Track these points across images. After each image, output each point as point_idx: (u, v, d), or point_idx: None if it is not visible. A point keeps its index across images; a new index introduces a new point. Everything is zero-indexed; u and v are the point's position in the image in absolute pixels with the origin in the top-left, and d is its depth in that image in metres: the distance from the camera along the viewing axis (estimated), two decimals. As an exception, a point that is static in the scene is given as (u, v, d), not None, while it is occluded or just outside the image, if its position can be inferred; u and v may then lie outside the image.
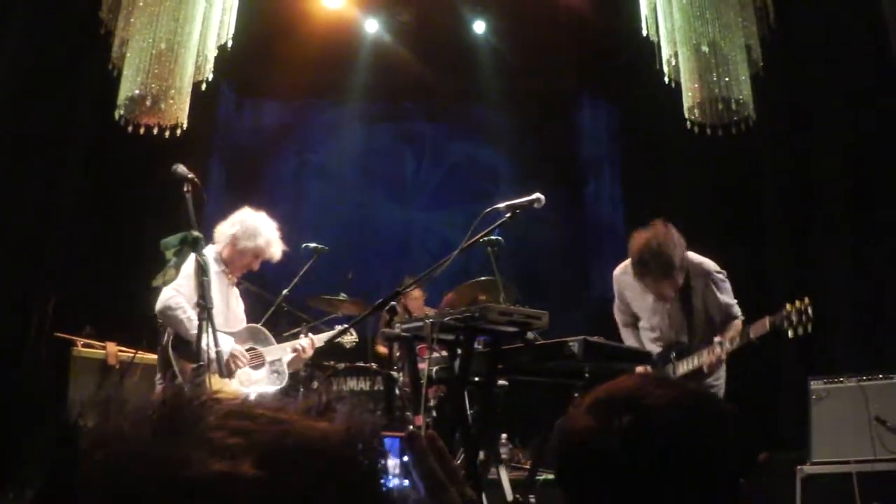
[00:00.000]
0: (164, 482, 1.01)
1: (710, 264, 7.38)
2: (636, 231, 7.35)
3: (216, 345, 6.44)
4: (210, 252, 7.59)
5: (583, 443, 2.12)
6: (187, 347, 7.05)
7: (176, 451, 1.04)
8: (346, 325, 8.30)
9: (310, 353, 7.96)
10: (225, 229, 7.82)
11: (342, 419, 1.15)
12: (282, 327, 9.02)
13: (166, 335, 7.31)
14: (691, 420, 2.09)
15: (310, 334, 8.18)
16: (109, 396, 1.12)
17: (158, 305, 7.27)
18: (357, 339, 8.71)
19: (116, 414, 1.10)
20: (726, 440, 2.12)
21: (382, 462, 1.15)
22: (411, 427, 7.28)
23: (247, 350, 7.56)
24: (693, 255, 7.39)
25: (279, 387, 7.58)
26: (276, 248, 7.90)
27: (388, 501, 1.16)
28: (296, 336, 8.64)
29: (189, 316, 7.08)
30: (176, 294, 7.22)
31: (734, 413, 2.21)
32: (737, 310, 7.29)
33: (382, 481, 1.14)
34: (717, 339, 7.04)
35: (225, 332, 7.44)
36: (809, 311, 6.74)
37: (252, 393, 7.21)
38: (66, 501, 1.04)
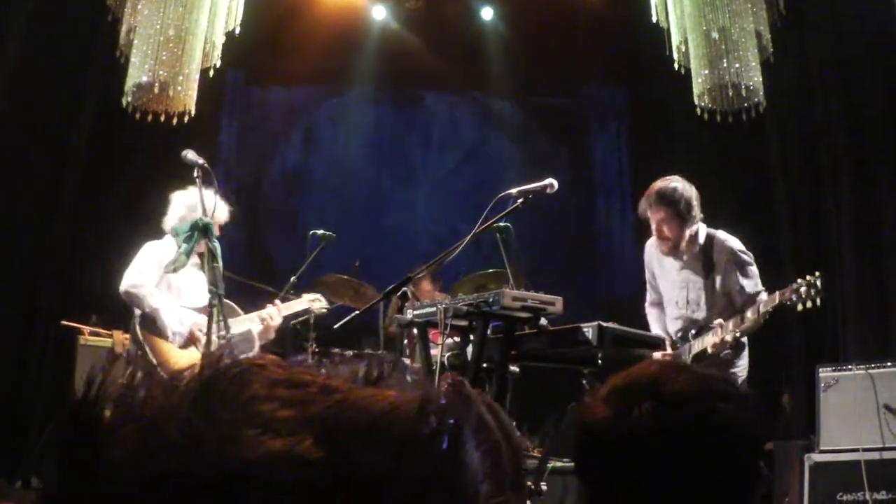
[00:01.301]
0: (210, 463, 0.86)
1: (735, 243, 7.32)
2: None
3: (226, 329, 6.45)
4: (164, 247, 7.60)
5: (602, 432, 2.10)
6: (155, 325, 7.12)
7: (222, 426, 0.89)
8: (354, 313, 8.30)
9: (278, 320, 7.91)
10: (174, 221, 7.74)
11: (410, 388, 0.99)
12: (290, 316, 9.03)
13: (136, 315, 7.33)
14: (712, 406, 2.07)
15: (277, 302, 8.10)
16: (132, 372, 0.99)
17: (121, 288, 7.36)
18: (328, 307, 8.62)
19: (145, 387, 0.94)
20: (747, 425, 2.11)
21: (461, 441, 0.98)
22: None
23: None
24: (720, 233, 7.36)
25: (250, 354, 7.56)
26: (220, 211, 7.72)
27: (471, 485, 0.98)
28: (304, 324, 8.65)
29: (150, 291, 7.15)
30: (138, 274, 7.33)
31: (753, 397, 2.20)
32: (763, 296, 7.20)
33: (460, 463, 0.97)
34: (716, 321, 7.02)
35: (190, 308, 7.56)
36: (819, 283, 6.72)
37: None
38: (85, 487, 0.89)
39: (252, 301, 8.24)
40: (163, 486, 0.87)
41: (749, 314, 6.90)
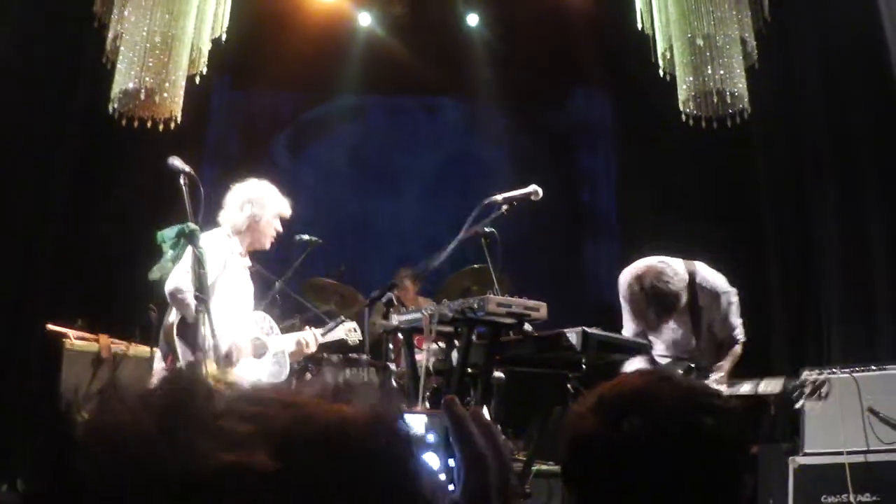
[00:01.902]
0: (169, 476, 0.91)
1: (721, 284, 7.38)
2: (630, 268, 7.33)
3: (212, 336, 6.45)
4: (221, 238, 7.59)
5: (590, 443, 2.13)
6: (192, 333, 7.05)
7: (181, 442, 0.94)
8: (342, 319, 8.33)
9: (313, 348, 7.94)
10: (236, 213, 7.73)
11: (364, 403, 1.04)
12: (274, 319, 9.04)
13: (173, 315, 7.27)
14: (699, 420, 2.09)
15: (312, 329, 8.12)
16: (107, 385, 1.03)
17: (169, 287, 7.18)
18: (361, 338, 8.63)
19: (115, 403, 0.99)
20: (733, 438, 2.13)
21: (413, 451, 1.04)
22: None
23: (251, 339, 7.55)
24: (705, 271, 7.39)
25: (279, 379, 7.54)
26: (285, 206, 7.95)
27: (421, 496, 1.03)
28: (290, 328, 8.66)
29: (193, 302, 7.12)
30: (184, 279, 7.23)
31: (739, 410, 2.22)
32: (740, 332, 7.30)
33: (414, 472, 1.03)
34: (714, 376, 7.08)
35: (237, 313, 7.54)
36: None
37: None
38: (61, 498, 0.94)
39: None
40: (126, 500, 0.91)
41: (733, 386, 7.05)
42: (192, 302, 6.98)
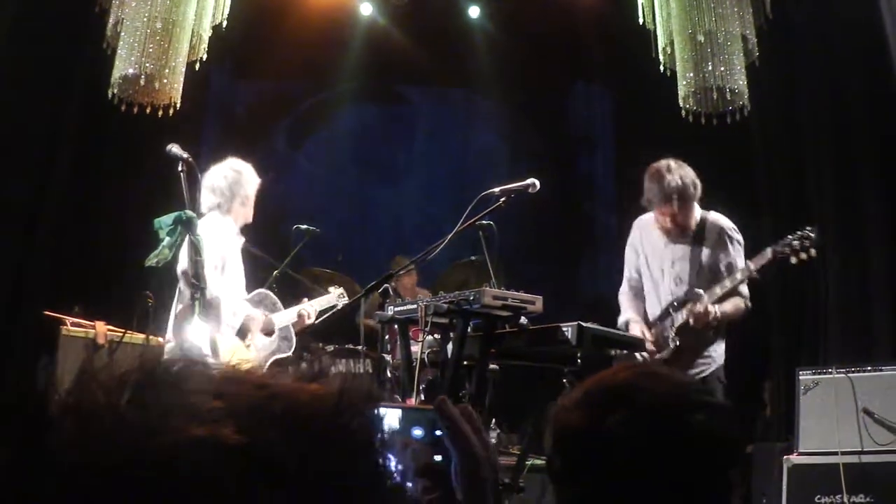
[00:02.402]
0: (138, 450, 0.93)
1: (726, 221, 7.38)
2: (651, 164, 7.35)
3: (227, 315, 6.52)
4: (218, 220, 7.60)
5: (576, 437, 2.12)
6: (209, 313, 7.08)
7: (152, 418, 0.96)
8: (340, 299, 8.36)
9: (314, 318, 7.97)
10: (225, 193, 7.72)
11: (334, 384, 1.06)
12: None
13: (185, 300, 7.30)
14: (685, 413, 2.08)
15: (308, 300, 8.19)
16: (83, 365, 1.03)
17: (182, 266, 7.12)
18: (347, 299, 8.64)
19: (91, 382, 1.01)
20: (721, 434, 2.12)
21: (379, 434, 1.06)
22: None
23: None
24: (712, 213, 7.41)
25: (288, 353, 7.59)
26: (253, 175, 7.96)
27: (383, 478, 1.06)
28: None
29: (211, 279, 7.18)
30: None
31: (726, 405, 2.21)
32: (743, 278, 7.25)
33: (379, 455, 1.06)
34: (697, 290, 7.07)
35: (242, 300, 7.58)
36: (812, 234, 6.83)
37: (266, 360, 7.28)
38: (35, 471, 0.95)
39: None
40: (97, 474, 0.92)
41: (736, 276, 7.02)
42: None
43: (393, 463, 1.05)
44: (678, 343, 7.13)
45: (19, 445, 0.96)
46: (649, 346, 7.15)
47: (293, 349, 7.71)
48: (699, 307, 6.99)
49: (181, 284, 7.20)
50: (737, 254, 7.32)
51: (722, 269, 7.26)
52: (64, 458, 0.94)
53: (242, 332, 7.30)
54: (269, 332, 7.59)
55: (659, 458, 2.02)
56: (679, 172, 7.17)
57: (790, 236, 6.95)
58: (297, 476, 0.96)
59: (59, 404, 0.99)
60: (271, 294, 7.88)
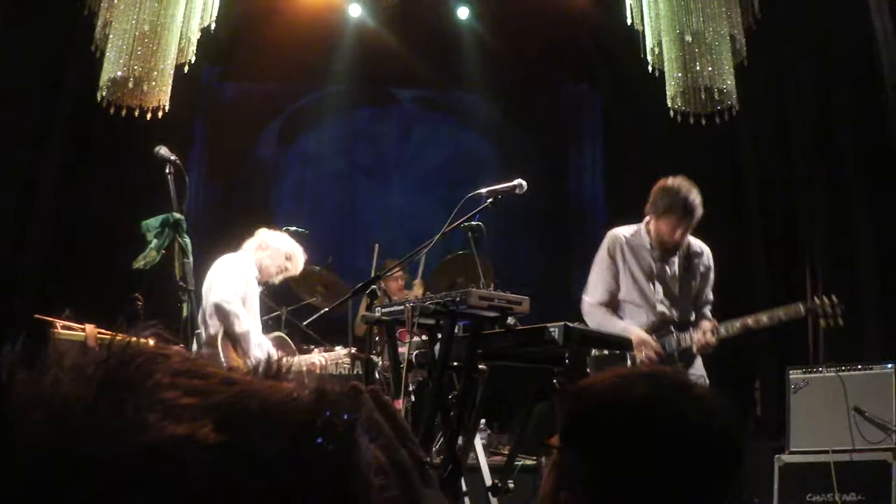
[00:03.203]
0: (115, 447, 0.90)
1: (708, 252, 7.45)
2: (668, 178, 7.32)
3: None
4: (247, 262, 8.12)
5: (596, 406, 2.14)
6: (236, 345, 7.31)
7: (127, 412, 0.92)
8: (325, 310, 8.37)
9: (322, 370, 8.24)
10: (269, 260, 8.30)
11: (310, 383, 1.04)
12: (262, 312, 9.07)
13: (218, 328, 7.63)
14: (688, 413, 2.08)
15: (324, 353, 8.53)
16: (48, 352, 0.99)
17: (216, 298, 7.70)
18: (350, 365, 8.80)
19: (54, 369, 0.97)
20: (725, 433, 2.12)
21: (357, 431, 1.03)
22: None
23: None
24: (696, 241, 7.47)
25: None
26: (299, 264, 8.47)
27: (363, 476, 1.02)
28: (275, 321, 8.71)
29: (242, 312, 7.37)
30: (232, 291, 7.73)
31: (717, 397, 2.20)
32: (709, 307, 7.38)
33: (357, 452, 1.02)
34: (709, 325, 7.09)
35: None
36: (839, 308, 6.96)
37: None
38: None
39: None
40: (68, 470, 0.89)
41: (762, 319, 7.03)
42: (239, 313, 7.30)
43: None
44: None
45: None
46: (652, 352, 7.11)
47: None
48: (711, 338, 7.04)
49: (208, 316, 7.47)
50: (711, 286, 7.43)
51: (703, 298, 7.36)
52: (31, 453, 0.90)
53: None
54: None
55: (642, 457, 2.02)
56: (698, 198, 7.19)
57: (824, 300, 7.03)
58: (278, 476, 0.94)
59: (24, 396, 0.95)
60: (287, 338, 8.07)
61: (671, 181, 7.23)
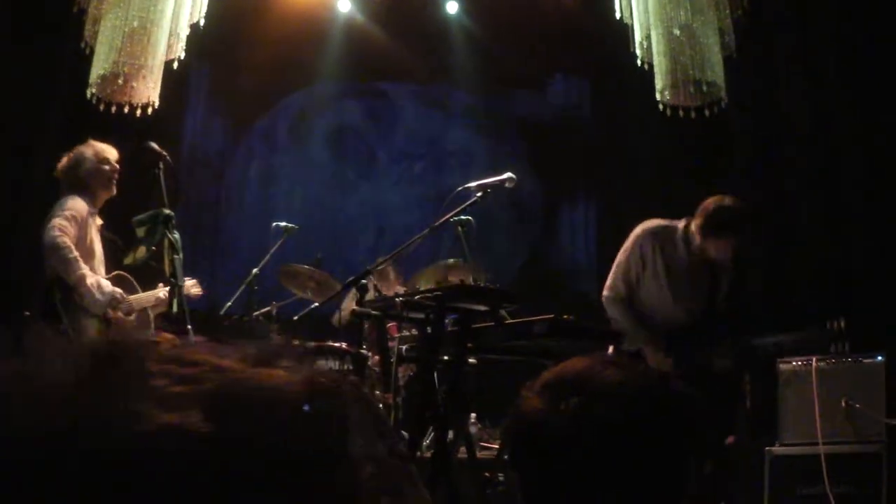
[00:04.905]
0: (106, 436, 0.90)
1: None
2: (725, 197, 7.22)
3: (185, 316, 6.46)
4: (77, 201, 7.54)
5: (532, 425, 2.15)
6: (73, 299, 7.02)
7: (117, 400, 0.92)
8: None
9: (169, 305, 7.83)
10: (73, 173, 7.76)
11: (301, 370, 1.04)
12: (252, 307, 9.06)
13: (55, 294, 7.22)
14: (638, 401, 2.10)
15: (165, 287, 8.02)
16: (33, 336, 1.00)
17: (47, 240, 7.21)
18: (201, 293, 8.53)
19: (37, 353, 0.98)
20: (675, 421, 2.13)
21: (349, 418, 1.04)
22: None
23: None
24: None
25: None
26: (106, 149, 7.88)
27: (353, 464, 1.03)
28: (266, 316, 8.67)
29: (76, 255, 7.07)
30: (62, 234, 7.20)
31: (686, 394, 2.21)
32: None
33: (347, 439, 1.03)
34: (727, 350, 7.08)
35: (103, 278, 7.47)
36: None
37: None
38: None
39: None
40: (59, 460, 0.89)
41: (770, 346, 7.06)
42: (71, 256, 6.98)
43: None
44: None
45: None
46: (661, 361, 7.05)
47: (150, 332, 7.54)
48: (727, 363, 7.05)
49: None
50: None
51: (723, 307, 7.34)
52: (19, 441, 0.90)
53: (106, 314, 7.24)
54: (128, 312, 7.51)
55: (612, 442, 2.03)
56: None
57: (835, 328, 7.08)
58: (269, 464, 0.94)
59: (11, 383, 0.95)
60: (129, 276, 7.76)
61: (731, 202, 7.10)
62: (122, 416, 0.91)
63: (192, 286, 8.24)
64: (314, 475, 0.98)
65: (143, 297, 7.68)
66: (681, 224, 7.29)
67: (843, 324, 7.10)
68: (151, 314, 7.70)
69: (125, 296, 7.46)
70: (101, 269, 7.58)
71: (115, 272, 7.74)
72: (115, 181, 7.80)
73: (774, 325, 7.40)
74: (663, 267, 7.27)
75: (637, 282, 7.34)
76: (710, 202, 7.14)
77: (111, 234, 8.02)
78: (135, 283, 7.72)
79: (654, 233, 7.36)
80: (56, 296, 7.21)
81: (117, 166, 7.79)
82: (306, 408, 0.98)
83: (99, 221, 7.59)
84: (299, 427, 0.98)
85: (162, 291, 7.77)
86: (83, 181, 7.60)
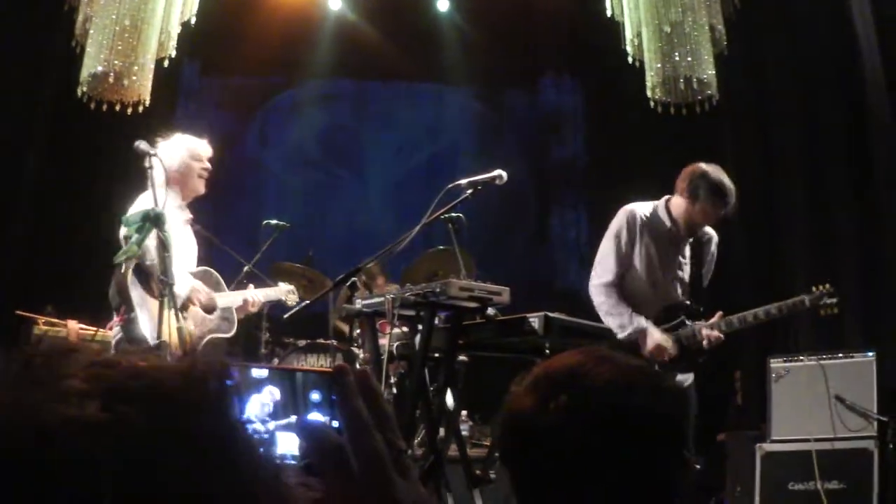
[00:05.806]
0: (13, 429, 0.99)
1: (717, 240, 7.41)
2: (702, 163, 7.20)
3: (178, 321, 6.41)
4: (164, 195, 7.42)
5: (522, 421, 2.14)
6: (147, 279, 6.93)
7: (28, 399, 1.01)
8: (300, 299, 8.27)
9: (259, 306, 7.79)
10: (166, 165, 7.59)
11: (188, 360, 1.12)
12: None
13: (123, 267, 7.11)
14: (628, 397, 2.10)
15: (253, 287, 8.00)
16: None
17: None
18: (298, 301, 8.52)
19: None
20: (664, 417, 2.14)
21: (234, 404, 1.11)
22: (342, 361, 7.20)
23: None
24: (707, 227, 7.39)
25: (228, 334, 7.44)
26: (202, 146, 7.83)
27: (240, 447, 1.09)
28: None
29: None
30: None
31: (676, 389, 2.22)
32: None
33: (233, 424, 1.10)
34: (715, 318, 7.04)
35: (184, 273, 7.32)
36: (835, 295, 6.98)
37: (202, 336, 7.13)
38: None
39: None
40: None
41: (771, 311, 7.01)
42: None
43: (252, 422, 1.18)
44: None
45: None
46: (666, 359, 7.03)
47: (232, 333, 7.55)
48: (719, 332, 7.03)
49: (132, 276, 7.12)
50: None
51: (704, 283, 7.31)
52: None
53: (184, 305, 7.19)
54: (209, 309, 7.49)
55: (601, 438, 2.03)
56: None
57: (822, 290, 7.03)
58: (161, 446, 1.01)
59: None
60: (215, 273, 7.72)
61: (710, 167, 7.05)
62: (29, 414, 1.00)
63: (288, 292, 8.23)
64: (200, 455, 1.04)
65: (228, 296, 7.64)
66: (661, 202, 7.30)
67: (829, 286, 7.09)
68: (237, 314, 7.64)
69: (209, 292, 7.41)
70: (190, 263, 7.53)
71: (203, 267, 7.71)
72: (204, 179, 7.74)
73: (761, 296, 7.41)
74: (653, 249, 7.27)
75: (628, 261, 7.30)
76: (697, 167, 7.13)
77: (204, 230, 8.00)
78: (221, 280, 7.68)
79: (639, 212, 7.36)
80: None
81: (208, 165, 7.74)
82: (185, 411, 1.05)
83: (188, 215, 7.52)
84: (182, 414, 1.05)
85: (250, 293, 7.73)
86: (173, 175, 7.48)
